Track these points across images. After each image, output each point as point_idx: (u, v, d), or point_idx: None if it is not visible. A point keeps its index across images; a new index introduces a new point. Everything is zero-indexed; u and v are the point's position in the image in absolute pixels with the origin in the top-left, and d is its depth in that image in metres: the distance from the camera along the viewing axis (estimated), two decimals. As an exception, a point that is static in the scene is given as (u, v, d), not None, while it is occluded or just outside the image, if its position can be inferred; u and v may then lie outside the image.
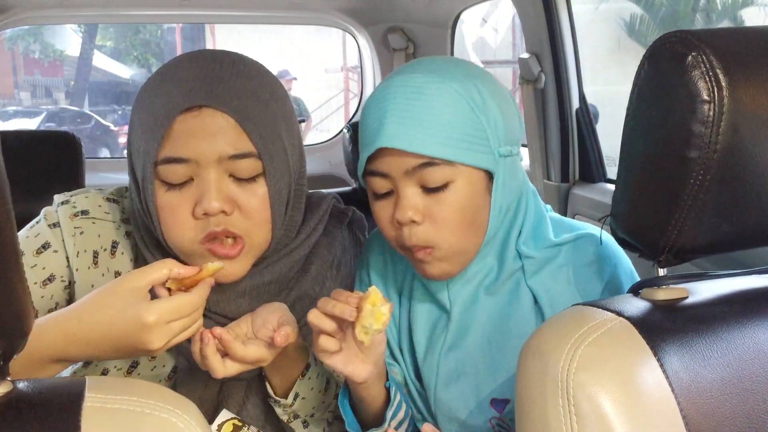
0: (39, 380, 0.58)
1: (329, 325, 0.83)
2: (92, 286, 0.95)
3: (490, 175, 0.90)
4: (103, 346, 0.80)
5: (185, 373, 0.99)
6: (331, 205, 1.08)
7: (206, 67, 0.90)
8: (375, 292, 0.81)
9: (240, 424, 0.98)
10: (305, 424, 1.00)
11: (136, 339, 0.78)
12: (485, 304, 0.97)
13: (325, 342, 0.84)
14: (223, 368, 0.85)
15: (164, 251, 0.95)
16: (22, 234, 0.97)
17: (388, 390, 0.94)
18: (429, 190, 0.87)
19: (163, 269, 0.81)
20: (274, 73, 1.00)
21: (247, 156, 0.88)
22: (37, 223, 0.99)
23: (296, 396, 0.96)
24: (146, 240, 0.96)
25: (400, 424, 0.97)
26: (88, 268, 0.96)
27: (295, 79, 6.41)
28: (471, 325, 0.97)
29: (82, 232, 0.97)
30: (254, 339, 0.88)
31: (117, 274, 0.97)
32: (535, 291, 0.95)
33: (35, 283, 0.94)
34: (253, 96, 0.89)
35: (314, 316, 0.84)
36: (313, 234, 1.03)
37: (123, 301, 0.79)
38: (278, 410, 0.98)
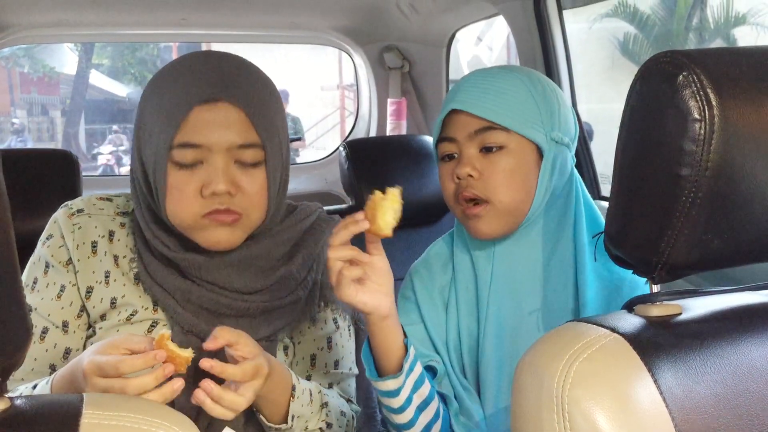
0: (37, 397, 0.58)
1: (349, 252, 0.92)
2: (93, 272, 1.05)
3: (540, 155, 1.04)
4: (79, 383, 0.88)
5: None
6: (319, 211, 1.19)
7: (219, 65, 1.01)
8: (374, 193, 0.91)
9: (239, 441, 0.99)
10: None
11: (80, 382, 0.87)
12: (529, 294, 1.05)
13: (349, 271, 0.92)
14: (232, 407, 0.89)
15: (164, 228, 1.03)
16: (28, 264, 1.07)
17: (406, 347, 1.00)
18: (486, 150, 1.03)
19: (142, 344, 0.87)
20: None
21: (253, 146, 0.99)
22: (37, 248, 1.08)
23: (293, 417, 1.01)
24: (147, 218, 1.04)
25: (425, 403, 1.02)
26: (88, 257, 1.05)
27: (287, 102, 6.51)
28: (510, 306, 1.05)
29: (80, 227, 1.06)
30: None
31: (115, 257, 1.06)
32: (581, 287, 1.03)
33: (52, 299, 1.04)
34: (258, 94, 1.02)
35: (333, 252, 0.92)
36: (301, 224, 1.13)
37: (90, 349, 0.89)
38: None
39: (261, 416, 1.01)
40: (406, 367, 0.99)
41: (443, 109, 1.07)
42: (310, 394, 1.05)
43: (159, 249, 1.03)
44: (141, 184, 1.03)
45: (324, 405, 1.07)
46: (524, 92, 1.04)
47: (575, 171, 1.10)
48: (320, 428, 1.07)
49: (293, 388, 1.01)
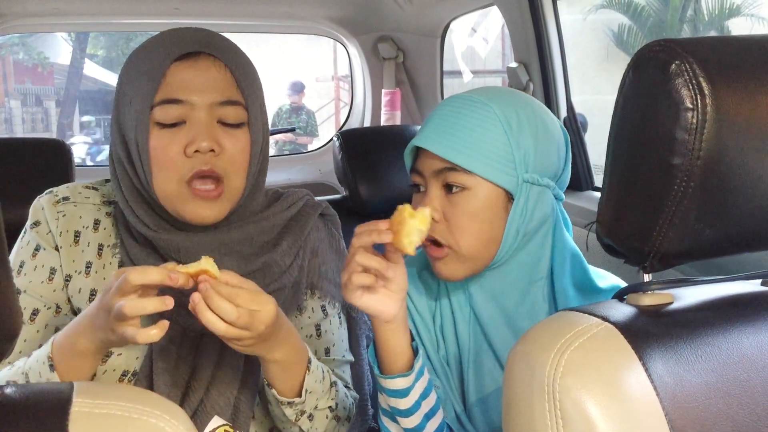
0: (27, 385, 0.58)
1: (378, 262, 0.88)
2: (73, 261, 1.04)
3: (512, 196, 0.97)
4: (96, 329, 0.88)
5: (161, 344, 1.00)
6: (307, 198, 1.17)
7: (199, 30, 1.02)
8: (404, 206, 0.87)
9: (231, 430, 0.98)
10: (310, 417, 1.04)
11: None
12: (503, 337, 1.02)
13: (359, 278, 0.89)
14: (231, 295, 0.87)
15: (146, 206, 1.02)
16: (14, 249, 1.06)
17: (415, 351, 0.97)
18: (450, 191, 0.97)
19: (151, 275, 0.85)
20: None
21: (235, 104, 0.99)
22: (24, 233, 1.07)
23: (306, 391, 1.00)
24: (128, 197, 1.01)
25: (432, 412, 0.98)
26: (70, 246, 1.05)
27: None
28: (490, 344, 1.03)
29: (64, 215, 1.05)
30: None
31: (99, 247, 1.05)
32: None
33: (42, 282, 1.04)
34: (239, 54, 1.02)
35: (362, 256, 0.88)
36: (287, 211, 1.11)
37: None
38: (288, 411, 1.01)
39: (273, 390, 0.99)
40: (417, 367, 0.96)
41: (412, 141, 1.01)
42: (323, 372, 1.04)
43: (138, 228, 1.01)
44: (122, 160, 1.00)
45: (333, 384, 1.06)
46: (496, 130, 0.95)
47: (558, 212, 1.03)
48: (329, 407, 1.05)
49: (309, 361, 1.00)
